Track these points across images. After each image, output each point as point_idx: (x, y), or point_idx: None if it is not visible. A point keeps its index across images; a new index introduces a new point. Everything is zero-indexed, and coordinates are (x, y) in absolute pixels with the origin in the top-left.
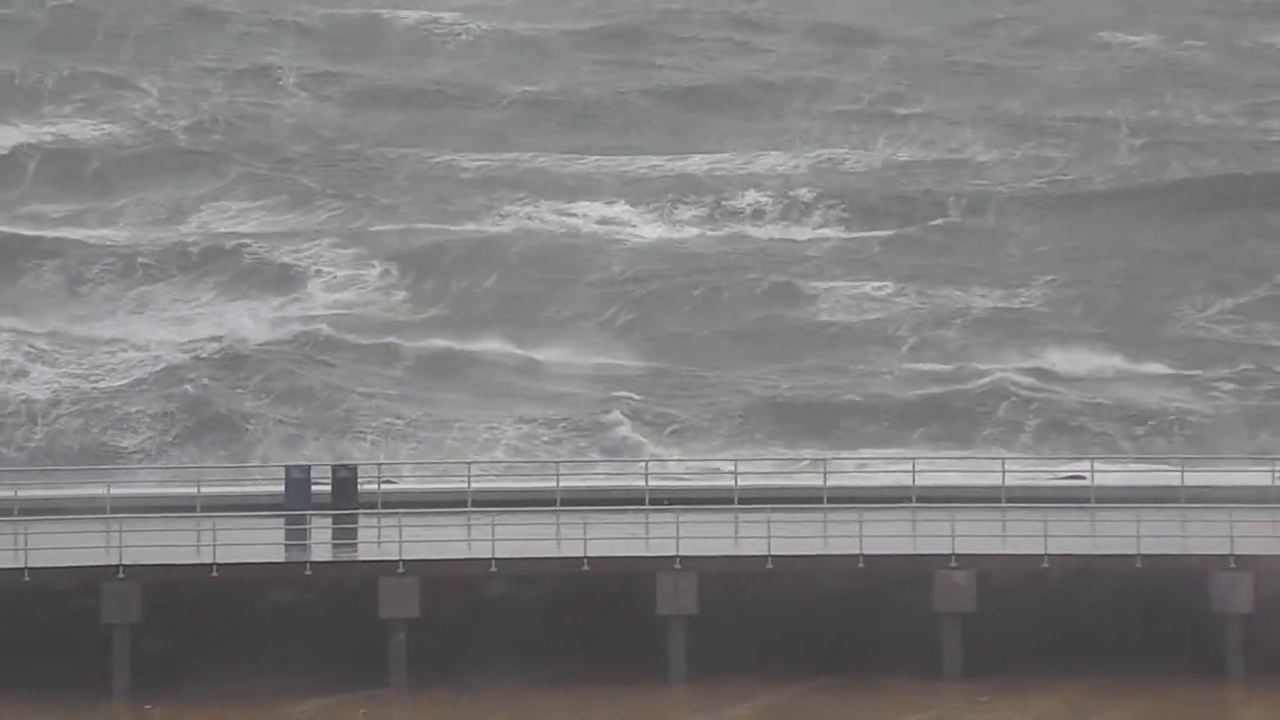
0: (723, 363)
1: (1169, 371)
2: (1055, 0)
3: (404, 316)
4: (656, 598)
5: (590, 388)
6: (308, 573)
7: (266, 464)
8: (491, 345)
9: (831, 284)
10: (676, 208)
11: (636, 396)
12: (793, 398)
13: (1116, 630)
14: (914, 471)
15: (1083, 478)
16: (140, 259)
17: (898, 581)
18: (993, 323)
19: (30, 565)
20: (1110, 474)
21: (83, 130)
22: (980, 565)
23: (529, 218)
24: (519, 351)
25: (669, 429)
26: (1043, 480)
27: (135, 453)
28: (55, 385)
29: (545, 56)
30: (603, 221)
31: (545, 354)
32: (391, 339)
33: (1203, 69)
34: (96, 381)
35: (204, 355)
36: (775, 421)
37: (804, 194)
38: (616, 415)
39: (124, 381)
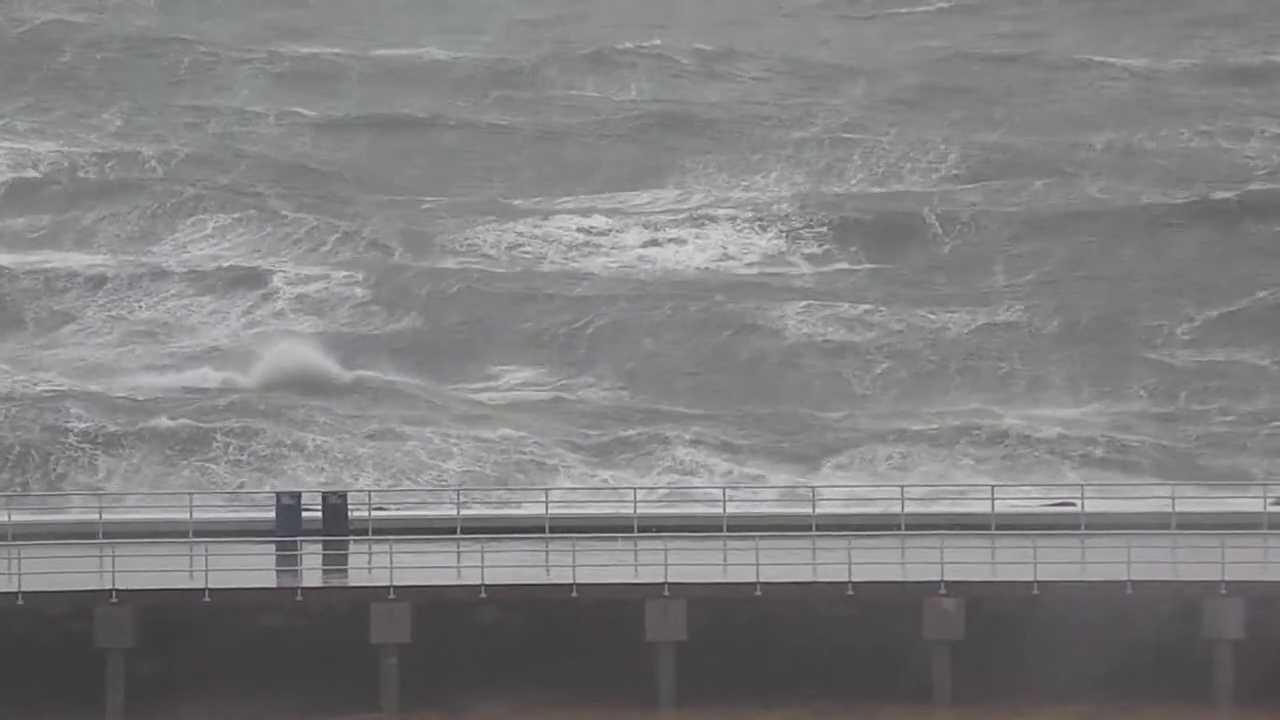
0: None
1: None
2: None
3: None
4: (646, 624)
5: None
6: (299, 598)
7: (258, 490)
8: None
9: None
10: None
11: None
12: (775, 423)
13: (1106, 657)
14: (903, 499)
15: (1073, 504)
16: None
17: (887, 609)
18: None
19: (23, 589)
20: (1100, 500)
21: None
22: (970, 592)
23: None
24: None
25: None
26: (1032, 507)
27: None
28: None
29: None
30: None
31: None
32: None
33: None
34: None
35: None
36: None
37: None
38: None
39: None
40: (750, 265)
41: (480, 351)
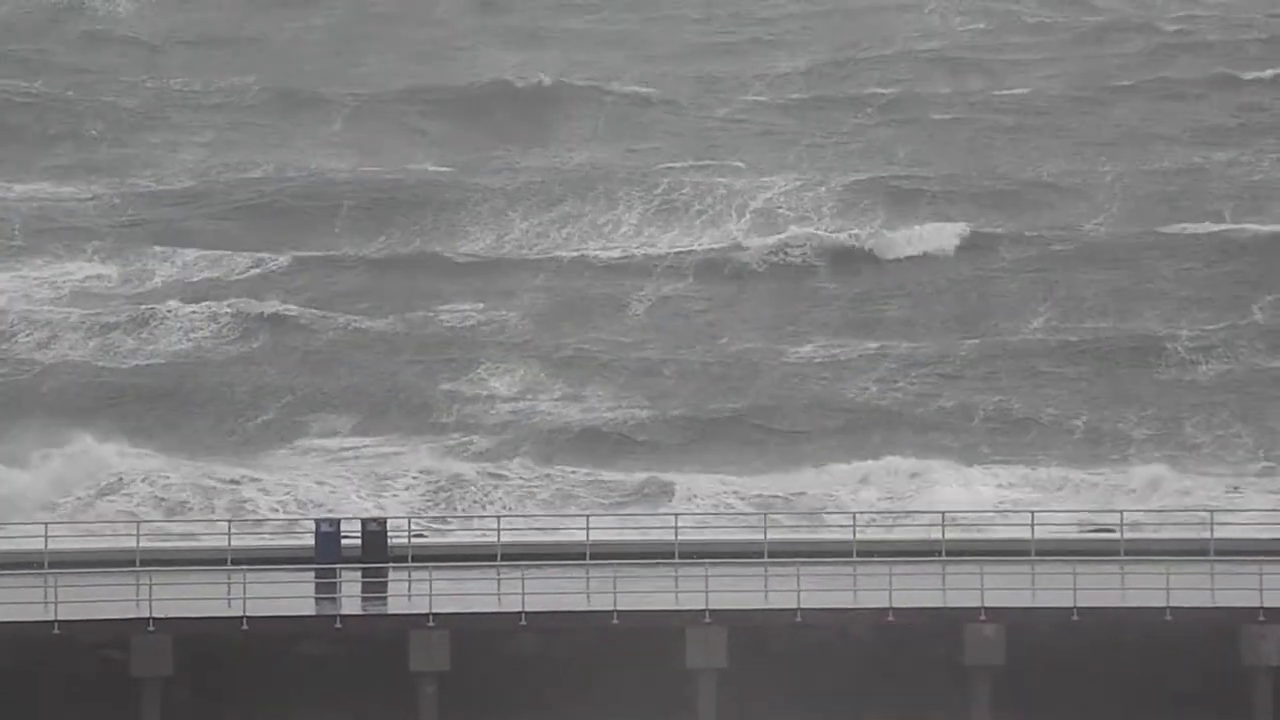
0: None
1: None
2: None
3: None
4: (686, 651)
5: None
6: (338, 626)
7: (297, 518)
8: None
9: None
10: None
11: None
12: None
13: (1146, 683)
14: (943, 525)
15: (1112, 530)
16: None
17: (927, 634)
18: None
19: (60, 618)
20: (1139, 526)
21: None
22: (1010, 618)
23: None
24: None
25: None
26: (1072, 533)
27: None
28: None
29: None
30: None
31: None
32: None
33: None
34: None
35: None
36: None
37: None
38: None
39: None
40: None
41: None
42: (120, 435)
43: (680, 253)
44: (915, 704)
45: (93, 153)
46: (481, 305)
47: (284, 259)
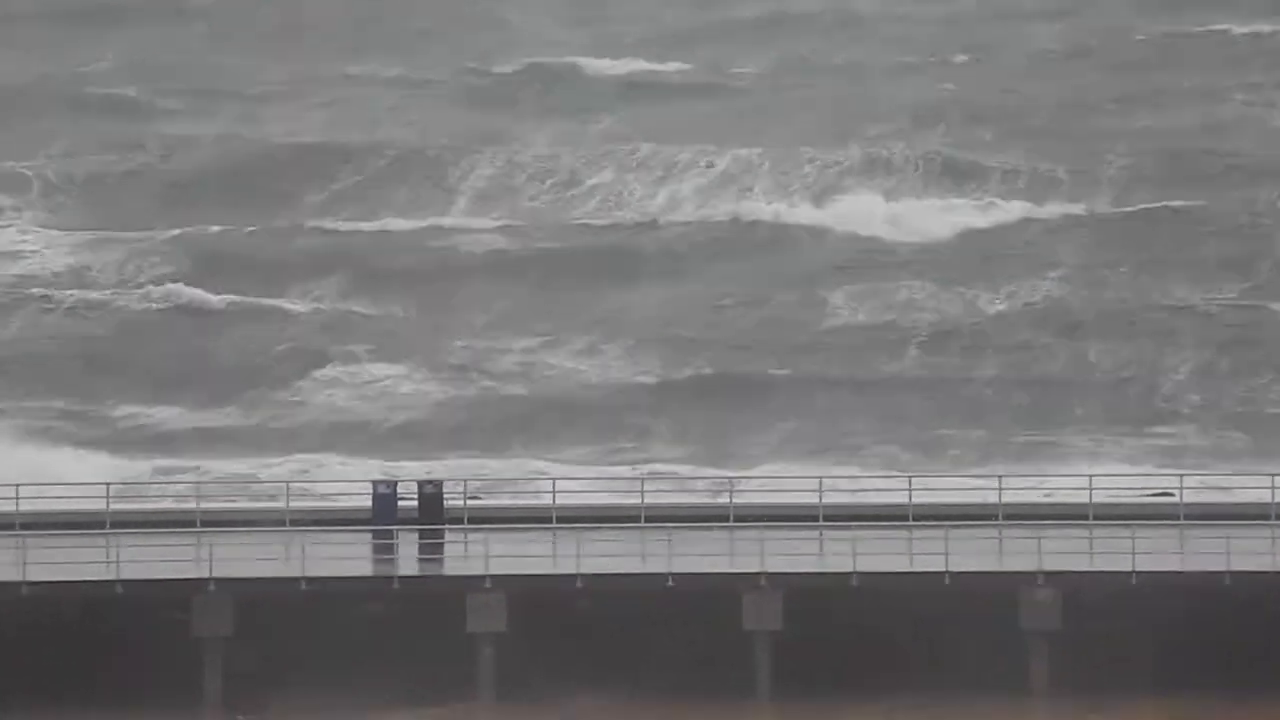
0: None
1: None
2: None
3: None
4: (742, 613)
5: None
6: (395, 587)
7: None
8: None
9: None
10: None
11: None
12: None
13: (1205, 647)
14: (1000, 489)
15: (1171, 494)
16: None
17: (984, 599)
18: None
19: (122, 578)
20: (1199, 490)
21: None
22: (1067, 583)
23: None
24: None
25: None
26: (1130, 497)
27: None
28: None
29: None
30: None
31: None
32: None
33: None
34: None
35: None
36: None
37: None
38: None
39: None
40: None
41: None
42: None
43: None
44: (971, 667)
45: None
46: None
47: None
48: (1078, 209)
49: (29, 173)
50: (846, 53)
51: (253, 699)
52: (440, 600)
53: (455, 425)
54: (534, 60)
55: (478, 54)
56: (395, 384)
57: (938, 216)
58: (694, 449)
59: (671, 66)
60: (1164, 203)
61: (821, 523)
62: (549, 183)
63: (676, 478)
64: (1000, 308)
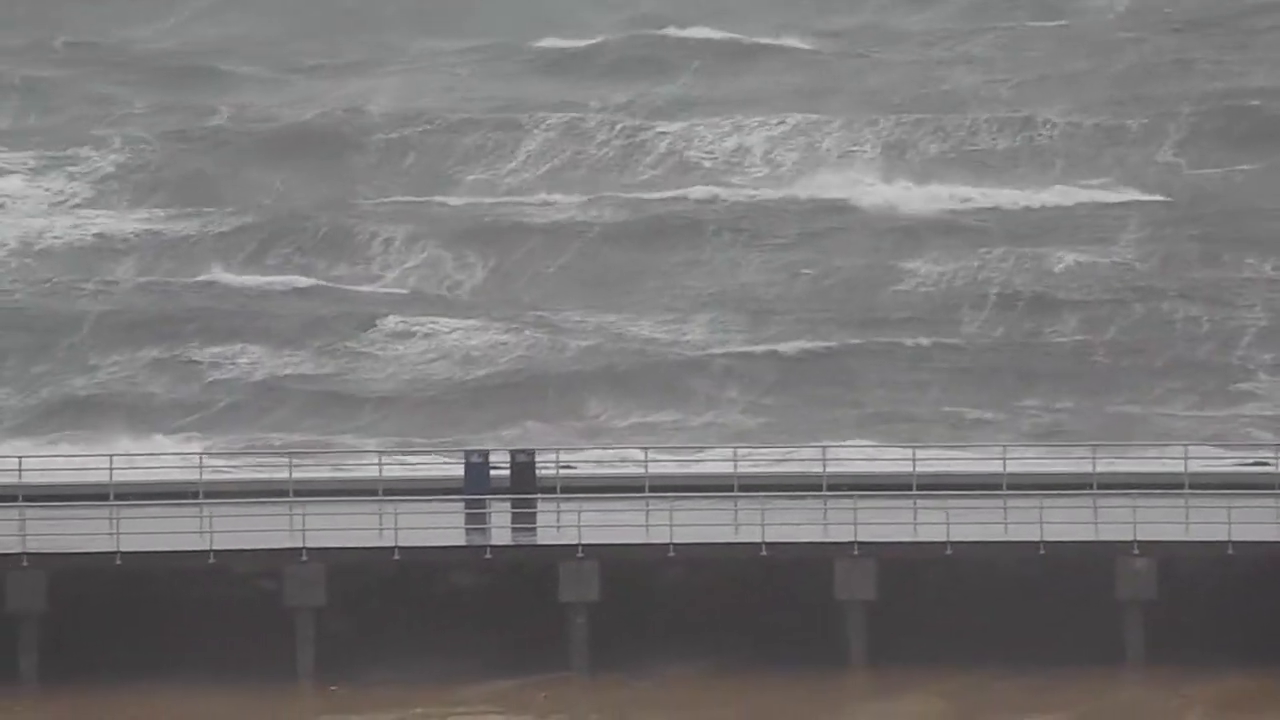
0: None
1: None
2: None
3: None
4: (835, 583)
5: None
6: (488, 556)
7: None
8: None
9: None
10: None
11: None
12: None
13: None
14: (1094, 458)
15: (1268, 464)
16: None
17: (1079, 568)
18: None
19: (215, 548)
20: None
21: None
22: (1162, 552)
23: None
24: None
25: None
26: (1227, 467)
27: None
28: None
29: None
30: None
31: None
32: None
33: None
34: None
35: None
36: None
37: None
38: None
39: None
40: None
41: None
42: None
43: None
44: (1065, 638)
45: None
46: None
47: None
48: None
49: (115, 140)
50: (920, 19)
51: (345, 669)
52: (533, 569)
53: (540, 393)
54: (608, 34)
55: (550, 23)
56: (480, 351)
57: (1010, 184)
58: (783, 417)
59: (751, 34)
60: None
61: (915, 492)
62: (619, 150)
63: (769, 446)
64: (1077, 275)
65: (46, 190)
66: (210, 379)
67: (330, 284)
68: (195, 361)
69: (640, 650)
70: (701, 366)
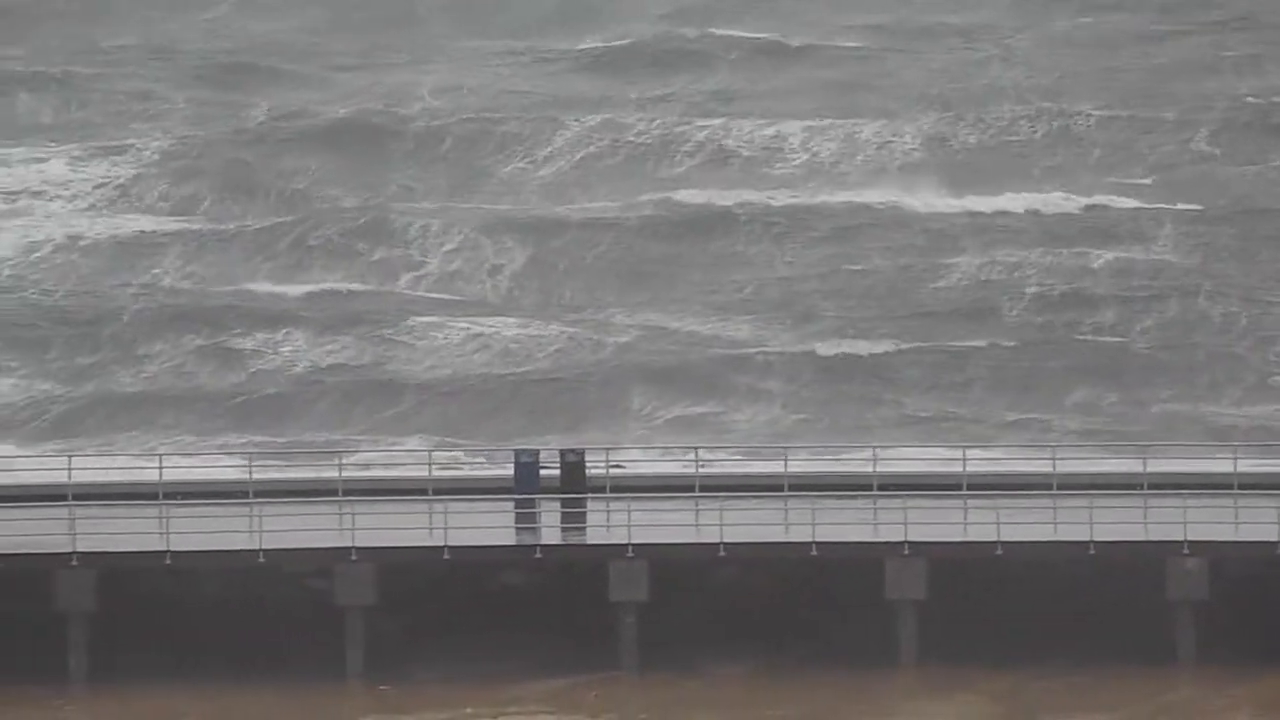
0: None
1: None
2: None
3: None
4: (885, 582)
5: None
6: (538, 556)
7: (497, 448)
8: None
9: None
10: None
11: None
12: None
13: None
14: (1145, 458)
15: None
16: None
17: (1129, 569)
18: None
19: (265, 547)
20: None
21: None
22: (1213, 553)
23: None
24: None
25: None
26: (1277, 467)
27: None
28: None
29: None
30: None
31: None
32: None
33: None
34: None
35: None
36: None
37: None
38: None
39: None
40: None
41: None
42: None
43: None
44: (1116, 638)
45: None
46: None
47: None
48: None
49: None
50: (959, 17)
51: (395, 669)
52: (583, 569)
53: (581, 389)
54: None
55: (591, 26)
56: (520, 346)
57: (1048, 180)
58: (825, 414)
59: (788, 35)
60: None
61: (965, 492)
62: (656, 145)
63: (819, 446)
64: (1115, 271)
65: (88, 182)
66: (253, 369)
67: (369, 276)
68: (237, 351)
69: (690, 650)
70: (743, 363)
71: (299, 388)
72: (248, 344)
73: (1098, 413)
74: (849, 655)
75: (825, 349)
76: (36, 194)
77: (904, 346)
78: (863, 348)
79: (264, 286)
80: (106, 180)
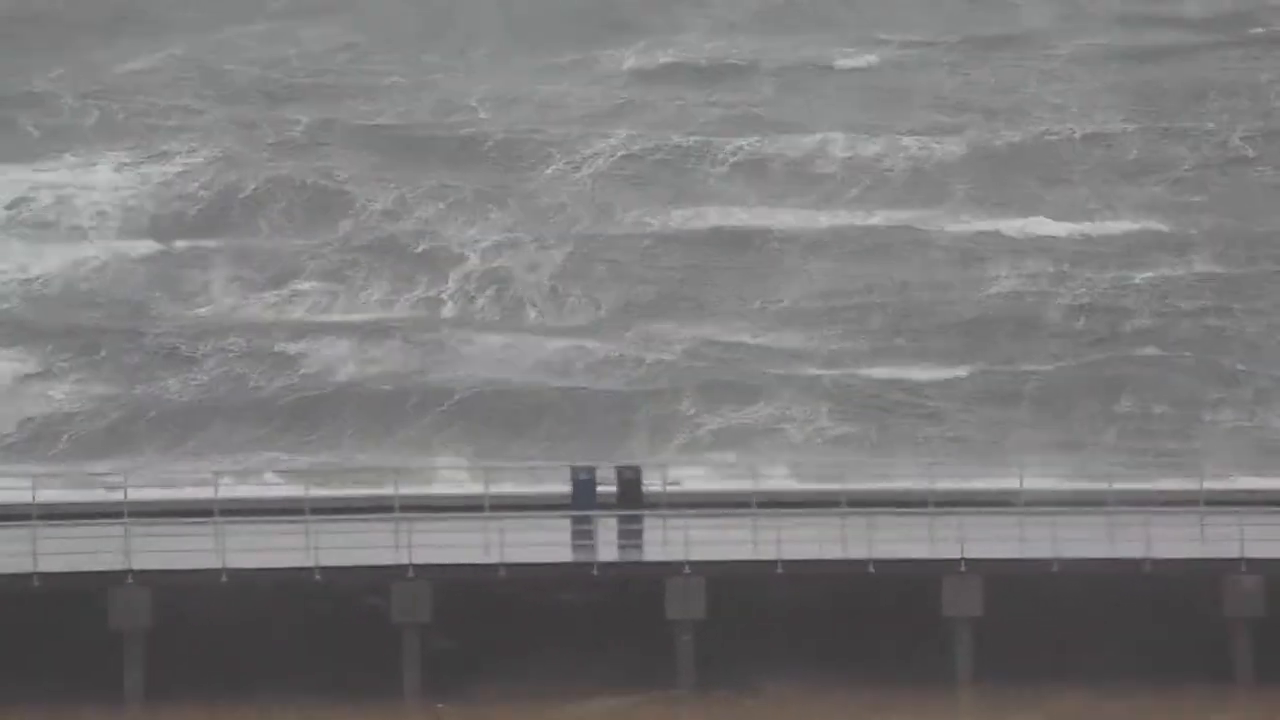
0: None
1: None
2: None
3: None
4: (942, 599)
5: None
6: (594, 573)
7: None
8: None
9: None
10: None
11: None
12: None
13: None
14: (1201, 475)
15: None
16: None
17: (1186, 586)
18: None
19: (320, 564)
20: None
21: None
22: (1271, 570)
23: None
24: None
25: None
26: None
27: None
28: None
29: None
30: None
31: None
32: None
33: None
34: None
35: None
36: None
37: None
38: None
39: None
40: None
41: None
42: None
43: None
44: (1172, 655)
45: None
46: None
47: None
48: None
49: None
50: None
51: (451, 687)
52: (639, 586)
53: (632, 404)
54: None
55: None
56: (568, 359)
57: (1085, 197)
58: (874, 431)
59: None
60: None
61: (1021, 508)
62: (696, 161)
63: (874, 462)
64: (1155, 288)
65: (131, 188)
66: (298, 378)
67: (412, 287)
68: (284, 358)
69: (746, 667)
70: (788, 380)
71: (339, 399)
72: (293, 349)
73: (1149, 431)
74: (906, 673)
75: (872, 367)
76: (80, 205)
77: (952, 366)
78: (911, 365)
79: (307, 295)
80: (149, 191)
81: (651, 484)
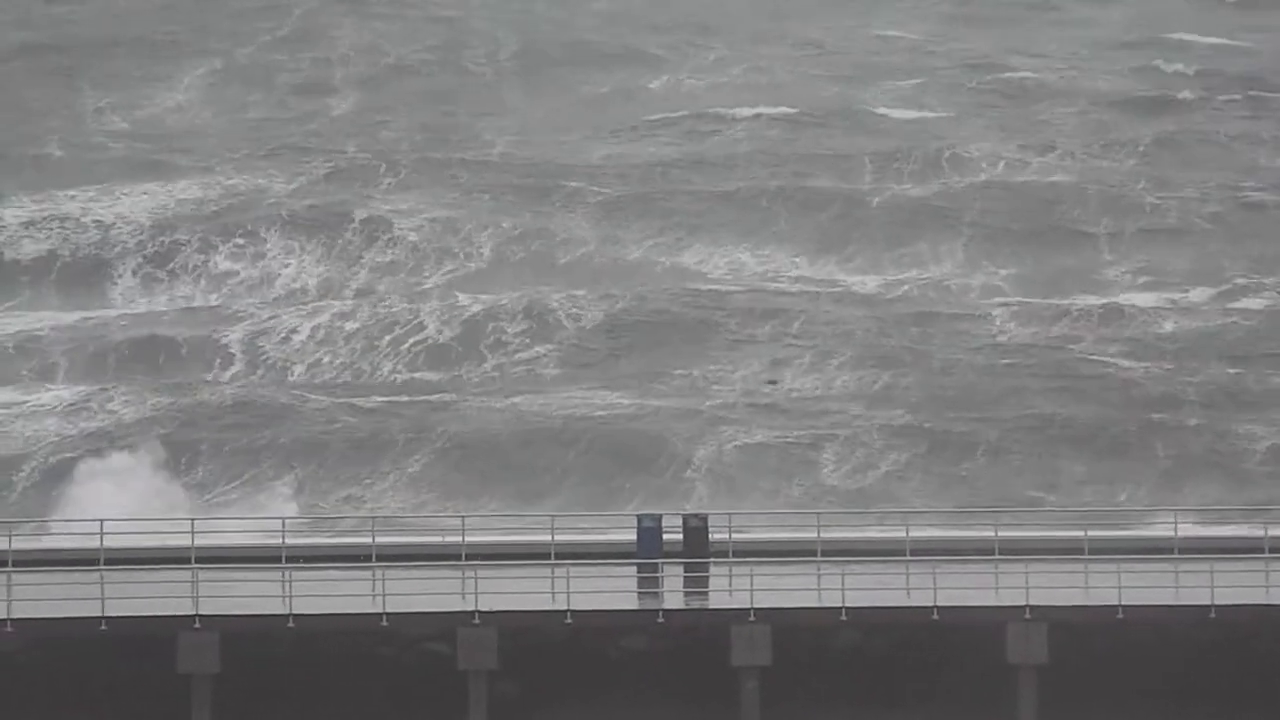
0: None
1: None
2: None
3: None
4: (1007, 647)
5: None
6: (660, 621)
7: (619, 512)
8: None
9: None
10: None
11: None
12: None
13: None
14: (1267, 522)
15: None
16: None
17: (1251, 633)
18: None
19: (387, 610)
20: None
21: None
22: None
23: None
24: None
25: None
26: None
27: None
28: None
29: None
30: None
31: None
32: None
33: None
34: None
35: None
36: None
37: None
38: None
39: None
40: None
41: None
42: None
43: None
44: (1237, 703)
45: None
46: None
47: None
48: None
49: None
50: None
51: None
52: (705, 634)
53: (676, 452)
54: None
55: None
56: (614, 408)
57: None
58: (942, 481)
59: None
60: None
61: (1086, 556)
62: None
63: (937, 511)
64: (1184, 335)
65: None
66: (347, 418)
67: (456, 335)
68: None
69: (811, 714)
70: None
71: (374, 444)
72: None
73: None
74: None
75: (920, 417)
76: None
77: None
78: (955, 416)
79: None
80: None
81: (718, 531)
